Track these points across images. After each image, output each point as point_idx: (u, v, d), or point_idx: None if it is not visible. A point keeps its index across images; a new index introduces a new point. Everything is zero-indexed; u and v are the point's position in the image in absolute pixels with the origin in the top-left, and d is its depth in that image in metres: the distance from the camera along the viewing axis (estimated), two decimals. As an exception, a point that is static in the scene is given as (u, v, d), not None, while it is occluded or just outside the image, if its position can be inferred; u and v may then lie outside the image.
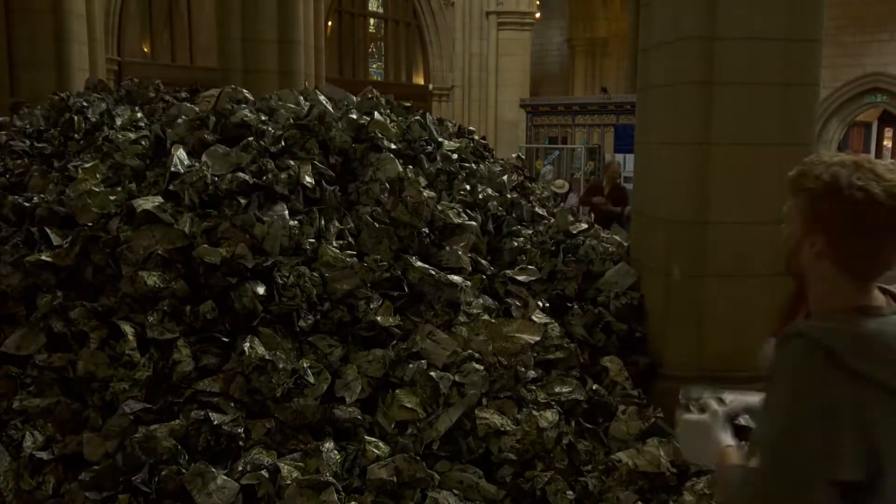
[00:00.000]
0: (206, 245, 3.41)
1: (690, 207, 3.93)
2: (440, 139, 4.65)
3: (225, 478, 2.86)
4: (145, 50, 14.03)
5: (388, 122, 4.46)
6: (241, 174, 3.75)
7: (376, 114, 4.46)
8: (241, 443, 3.03)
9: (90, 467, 2.94)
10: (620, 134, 13.73)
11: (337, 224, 3.78)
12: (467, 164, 4.64)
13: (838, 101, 16.20)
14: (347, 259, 3.57)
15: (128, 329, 3.25)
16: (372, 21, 19.49)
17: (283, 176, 3.76)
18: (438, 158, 4.51)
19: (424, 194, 3.98)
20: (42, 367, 3.25)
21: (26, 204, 3.81)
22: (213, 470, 2.85)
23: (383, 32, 19.74)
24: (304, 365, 3.23)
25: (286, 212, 3.62)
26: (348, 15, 18.27)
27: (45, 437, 3.07)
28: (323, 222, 3.75)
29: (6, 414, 3.17)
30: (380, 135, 4.26)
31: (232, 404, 3.14)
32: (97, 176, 3.79)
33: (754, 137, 3.86)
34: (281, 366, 3.17)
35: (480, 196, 4.43)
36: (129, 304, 3.37)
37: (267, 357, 3.17)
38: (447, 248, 3.90)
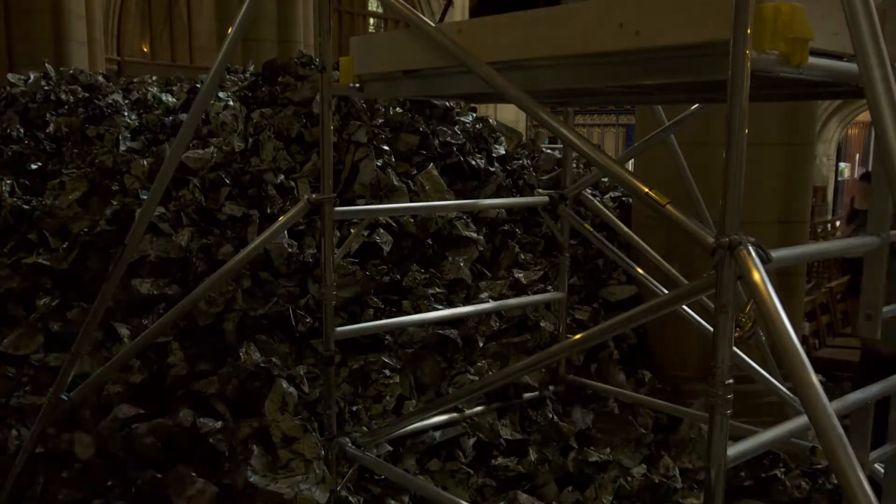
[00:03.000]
0: (203, 308, 3.35)
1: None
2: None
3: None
4: (145, 50, 14.02)
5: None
6: (231, 207, 3.68)
7: (431, 166, 4.24)
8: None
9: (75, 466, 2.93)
10: (630, 134, 13.74)
11: (338, 232, 3.75)
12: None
13: (838, 100, 16.18)
14: (350, 266, 3.55)
15: (123, 331, 3.24)
16: (372, 21, 19.47)
17: (289, 208, 3.69)
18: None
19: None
20: (38, 366, 3.25)
21: (25, 207, 3.81)
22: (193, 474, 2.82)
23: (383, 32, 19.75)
24: (301, 372, 3.20)
25: (285, 240, 3.56)
26: (348, 15, 18.25)
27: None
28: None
29: (2, 411, 3.16)
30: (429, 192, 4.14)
31: (226, 409, 3.10)
32: (84, 186, 3.77)
33: (754, 137, 3.82)
34: (276, 373, 3.14)
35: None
36: (126, 307, 3.36)
37: (262, 364, 3.16)
38: (450, 258, 3.88)
